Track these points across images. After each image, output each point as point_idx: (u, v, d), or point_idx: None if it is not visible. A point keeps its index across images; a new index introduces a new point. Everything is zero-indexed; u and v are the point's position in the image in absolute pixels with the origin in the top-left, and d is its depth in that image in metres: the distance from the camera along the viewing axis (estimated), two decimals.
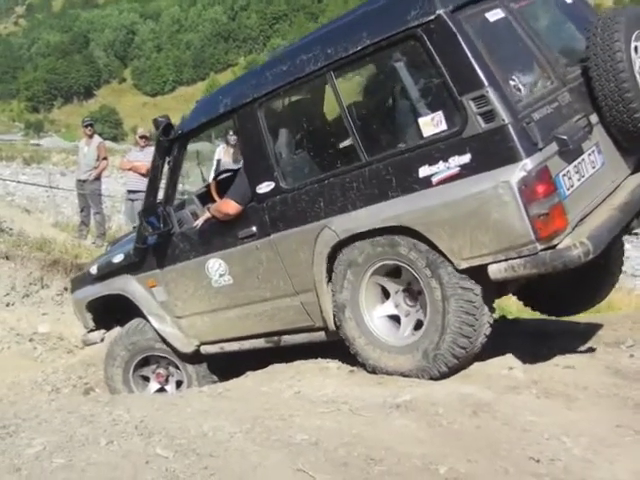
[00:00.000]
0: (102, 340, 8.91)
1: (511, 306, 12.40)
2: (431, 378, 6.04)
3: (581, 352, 7.13)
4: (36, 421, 5.15)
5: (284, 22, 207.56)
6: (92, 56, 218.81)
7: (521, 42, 6.15)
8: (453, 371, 6.04)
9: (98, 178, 17.13)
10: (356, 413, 5.33)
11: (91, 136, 17.27)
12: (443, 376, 6.03)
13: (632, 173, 6.67)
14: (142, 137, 16.56)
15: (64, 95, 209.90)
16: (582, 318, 8.74)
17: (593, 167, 6.10)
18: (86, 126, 17.42)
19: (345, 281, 6.35)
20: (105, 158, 17.38)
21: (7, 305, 12.95)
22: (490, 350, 6.45)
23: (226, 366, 7.85)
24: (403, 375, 6.15)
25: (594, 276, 7.59)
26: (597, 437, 4.99)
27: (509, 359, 6.39)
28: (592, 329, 8.27)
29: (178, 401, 5.92)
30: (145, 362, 8.31)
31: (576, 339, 7.75)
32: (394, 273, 6.26)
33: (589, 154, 6.07)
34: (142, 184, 14.39)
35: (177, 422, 5.10)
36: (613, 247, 7.27)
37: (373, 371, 6.35)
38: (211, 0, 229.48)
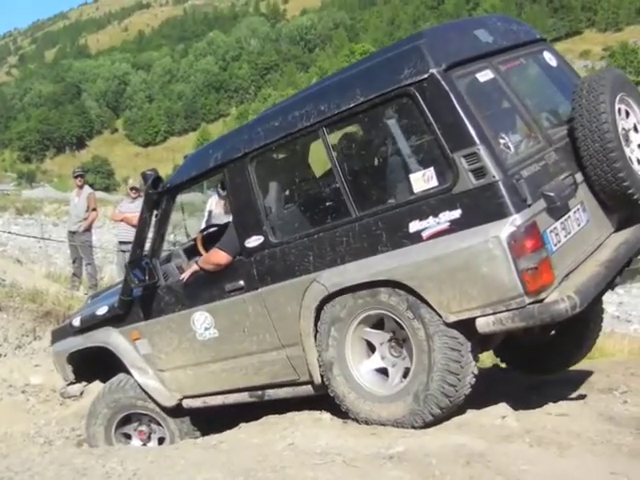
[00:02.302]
0: (81, 394, 8.86)
1: None
2: (424, 423, 6.05)
3: (574, 399, 7.13)
4: (28, 474, 5.11)
5: (275, 72, 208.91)
6: (84, 106, 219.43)
7: (509, 102, 6.33)
8: (446, 413, 6.06)
9: (88, 229, 17.11)
10: (350, 464, 5.30)
11: (81, 187, 17.26)
12: (436, 419, 6.04)
13: (615, 231, 6.79)
14: (132, 189, 16.58)
15: (56, 145, 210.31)
16: (574, 365, 8.73)
17: (578, 224, 6.22)
18: (76, 177, 17.42)
19: (330, 339, 6.39)
20: (94, 209, 17.31)
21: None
22: (483, 399, 6.45)
23: (209, 421, 7.81)
24: (397, 424, 6.15)
25: (574, 333, 7.70)
26: None
27: (502, 408, 6.38)
28: (585, 376, 8.27)
29: (171, 453, 5.89)
30: (127, 420, 8.24)
31: (569, 386, 7.75)
32: (377, 325, 6.31)
33: (575, 212, 6.20)
34: (133, 235, 14.43)
35: (170, 475, 5.07)
36: (593, 312, 7.50)
37: (366, 423, 6.34)
38: (203, 50, 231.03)
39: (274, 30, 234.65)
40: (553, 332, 7.83)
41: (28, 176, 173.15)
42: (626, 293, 29.83)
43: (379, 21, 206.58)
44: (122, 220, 16.20)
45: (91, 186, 18.95)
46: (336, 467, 5.30)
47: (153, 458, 5.61)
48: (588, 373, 8.39)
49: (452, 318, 5.74)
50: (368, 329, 6.33)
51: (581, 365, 9.09)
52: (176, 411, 7.90)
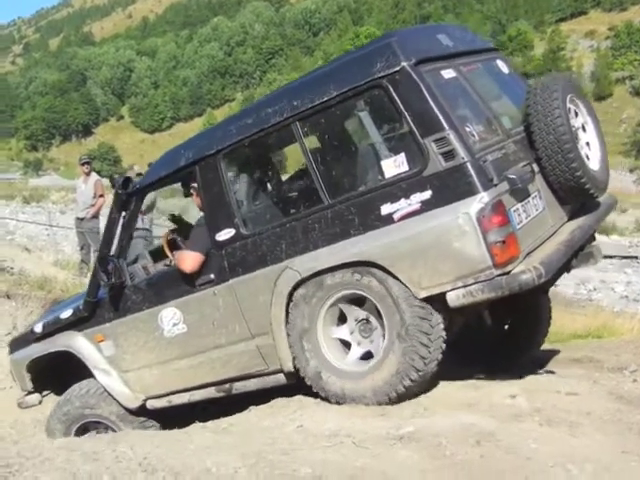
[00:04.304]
0: (40, 402, 8.80)
1: None
2: (398, 396, 6.16)
3: (584, 378, 7.12)
4: (39, 459, 5.10)
5: (280, 57, 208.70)
6: (90, 94, 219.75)
7: (470, 98, 6.68)
8: (417, 385, 6.17)
9: (96, 216, 17.11)
10: (359, 446, 5.31)
11: (88, 174, 17.24)
12: (409, 391, 6.15)
13: (567, 221, 7.09)
14: (139, 175, 16.52)
15: (62, 133, 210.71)
16: (584, 343, 8.73)
17: (537, 209, 6.52)
18: (82, 164, 17.40)
19: (302, 320, 6.53)
20: (102, 195, 17.27)
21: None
22: (492, 378, 6.45)
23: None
24: (369, 400, 6.28)
25: (526, 326, 8.21)
26: (602, 464, 4.98)
27: (512, 387, 6.40)
28: (594, 355, 8.27)
29: (181, 437, 5.90)
30: (85, 430, 8.19)
31: (578, 365, 7.75)
32: (351, 304, 6.45)
33: (533, 197, 6.50)
34: (140, 221, 14.41)
35: (181, 458, 5.07)
36: (542, 304, 8.20)
37: (337, 403, 6.45)
38: (207, 36, 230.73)
39: (278, 14, 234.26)
40: (507, 326, 8.32)
41: (35, 164, 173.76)
42: (634, 273, 29.83)
43: (383, 4, 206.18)
44: None
45: (98, 173, 18.90)
46: (346, 449, 5.31)
47: (163, 442, 5.62)
48: (597, 352, 8.40)
49: (423, 293, 5.96)
50: (347, 304, 6.45)
51: (590, 344, 9.10)
52: (129, 413, 7.96)
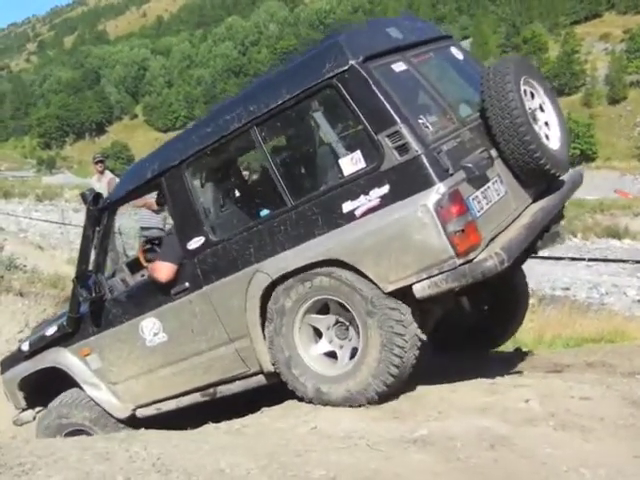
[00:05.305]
0: (34, 419, 8.89)
1: (525, 338, 12.36)
2: (398, 369, 6.16)
3: (597, 383, 7.11)
4: (52, 458, 5.12)
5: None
6: (104, 92, 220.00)
7: (423, 89, 6.73)
8: (408, 350, 6.18)
9: None
10: (373, 448, 5.31)
11: (102, 172, 17.24)
12: (404, 361, 6.17)
13: (532, 203, 7.12)
14: None
15: (76, 131, 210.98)
16: (597, 348, 8.72)
17: (498, 194, 6.56)
18: (97, 162, 17.38)
19: (278, 328, 6.60)
20: None
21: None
22: (506, 382, 6.44)
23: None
24: (351, 402, 6.35)
25: (505, 307, 8.41)
26: (615, 468, 4.99)
27: (525, 391, 6.39)
28: (608, 360, 8.25)
29: (195, 437, 5.92)
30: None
31: (591, 370, 7.73)
32: (323, 310, 6.53)
33: (493, 183, 6.53)
34: (155, 220, 14.43)
35: (194, 459, 5.08)
36: (519, 281, 8.39)
37: (350, 406, 6.45)
38: (221, 35, 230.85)
39: (293, 14, 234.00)
40: (486, 308, 8.48)
41: (48, 162, 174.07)
42: None
43: (398, 5, 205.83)
44: (143, 205, 16.16)
45: (111, 172, 18.93)
46: (360, 451, 5.31)
47: (177, 442, 5.64)
48: (610, 357, 8.37)
49: (390, 287, 6.01)
50: (314, 315, 6.54)
51: (603, 349, 9.08)
52: (106, 420, 8.05)
